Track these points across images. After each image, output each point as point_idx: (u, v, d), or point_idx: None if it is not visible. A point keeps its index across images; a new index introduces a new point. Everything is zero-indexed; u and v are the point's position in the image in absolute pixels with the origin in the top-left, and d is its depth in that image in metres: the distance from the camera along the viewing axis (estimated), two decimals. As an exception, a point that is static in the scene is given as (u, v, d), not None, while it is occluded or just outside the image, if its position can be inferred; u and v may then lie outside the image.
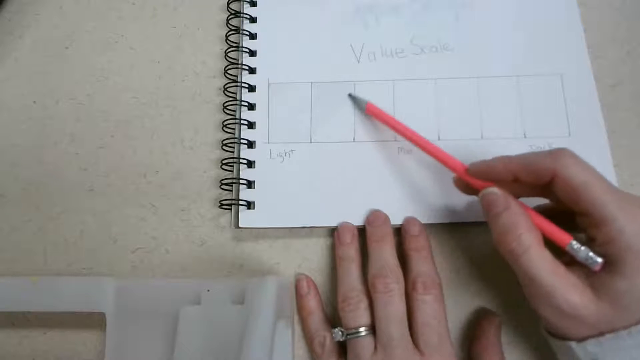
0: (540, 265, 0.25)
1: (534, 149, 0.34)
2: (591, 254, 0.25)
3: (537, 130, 0.35)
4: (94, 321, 0.33)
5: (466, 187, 0.31)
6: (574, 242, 0.26)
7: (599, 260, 0.25)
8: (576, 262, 0.26)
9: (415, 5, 0.39)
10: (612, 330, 0.25)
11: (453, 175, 0.31)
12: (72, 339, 0.34)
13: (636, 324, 0.24)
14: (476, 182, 0.29)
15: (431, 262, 0.32)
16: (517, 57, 0.37)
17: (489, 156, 0.34)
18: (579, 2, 0.38)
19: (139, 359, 0.32)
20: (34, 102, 0.39)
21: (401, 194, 0.34)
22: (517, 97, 0.36)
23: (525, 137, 0.35)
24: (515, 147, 0.34)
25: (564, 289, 0.25)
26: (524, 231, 0.26)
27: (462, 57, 0.37)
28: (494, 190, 0.28)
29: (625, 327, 0.24)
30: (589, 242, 0.26)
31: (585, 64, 0.36)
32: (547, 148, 0.34)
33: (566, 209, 0.27)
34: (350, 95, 0.36)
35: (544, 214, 0.30)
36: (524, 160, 0.27)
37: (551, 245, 0.26)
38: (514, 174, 0.27)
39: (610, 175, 0.34)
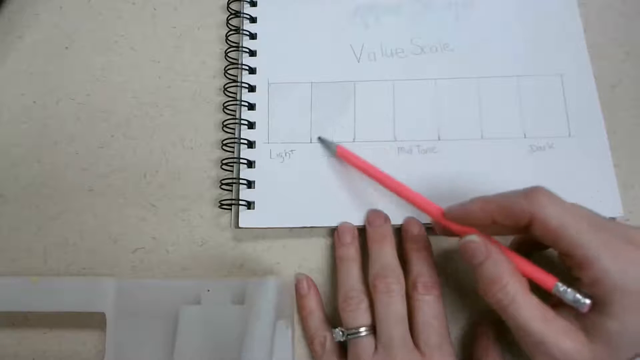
0: (528, 313, 0.25)
1: (534, 149, 0.34)
2: (578, 295, 0.24)
3: (537, 130, 0.35)
4: (94, 321, 0.33)
5: (445, 231, 0.29)
6: (560, 285, 0.25)
7: (587, 302, 0.24)
8: (565, 302, 0.25)
9: (415, 5, 0.39)
10: None
11: (430, 219, 0.30)
12: (72, 339, 0.34)
13: None
14: (454, 227, 0.28)
15: (431, 262, 0.32)
16: (517, 57, 0.37)
17: (489, 156, 0.34)
18: (579, 2, 0.38)
19: (139, 359, 0.32)
20: (34, 102, 0.39)
21: (401, 194, 0.34)
22: (517, 97, 0.36)
23: (525, 137, 0.35)
24: (515, 147, 0.35)
25: (555, 336, 0.24)
26: (508, 280, 0.25)
27: (462, 57, 0.37)
28: (473, 238, 0.27)
29: None
30: (575, 282, 0.25)
31: (585, 64, 0.36)
32: (547, 148, 0.35)
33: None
34: (319, 138, 0.36)
35: (527, 244, 0.30)
36: (500, 203, 0.26)
37: (538, 286, 0.26)
38: (491, 218, 0.27)
39: (610, 175, 0.34)
